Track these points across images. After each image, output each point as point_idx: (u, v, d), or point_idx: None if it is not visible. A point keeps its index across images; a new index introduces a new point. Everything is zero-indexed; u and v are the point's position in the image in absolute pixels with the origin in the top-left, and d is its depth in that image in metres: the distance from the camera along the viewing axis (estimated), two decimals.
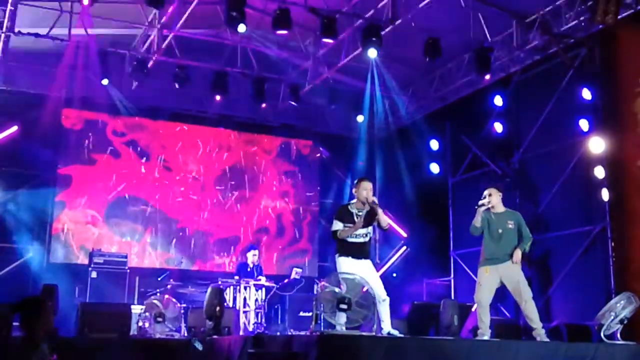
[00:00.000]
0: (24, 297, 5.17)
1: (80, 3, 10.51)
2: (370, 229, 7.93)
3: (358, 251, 7.85)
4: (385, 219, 7.89)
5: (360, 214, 7.84)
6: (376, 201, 7.83)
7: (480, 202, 8.29)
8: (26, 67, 13.12)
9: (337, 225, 7.81)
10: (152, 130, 14.71)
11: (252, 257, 12.41)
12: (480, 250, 8.47)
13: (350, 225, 7.78)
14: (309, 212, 15.88)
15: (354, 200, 7.96)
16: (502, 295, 12.09)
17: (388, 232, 8.91)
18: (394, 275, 15.03)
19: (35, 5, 11.56)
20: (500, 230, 8.22)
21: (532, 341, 8.00)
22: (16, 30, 11.65)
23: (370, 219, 7.86)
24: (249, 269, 12.29)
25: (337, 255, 7.89)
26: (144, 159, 14.59)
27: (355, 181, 8.13)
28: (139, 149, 14.56)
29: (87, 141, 14.06)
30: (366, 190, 7.84)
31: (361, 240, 7.87)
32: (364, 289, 7.20)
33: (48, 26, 11.84)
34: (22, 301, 5.05)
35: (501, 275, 8.16)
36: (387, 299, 7.78)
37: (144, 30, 12.72)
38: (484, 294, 8.20)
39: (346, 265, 7.69)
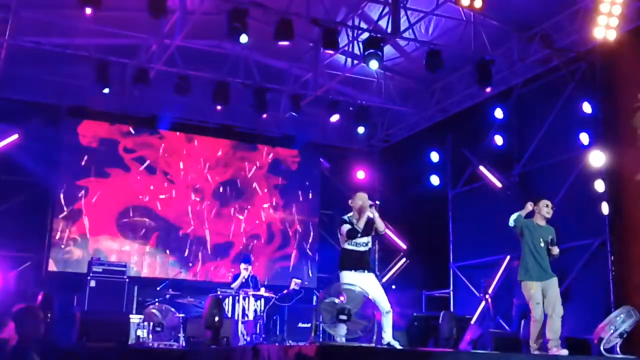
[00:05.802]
0: (19, 305, 5.14)
1: (83, 12, 10.50)
2: (369, 238, 8.14)
3: (360, 262, 8.02)
4: (382, 223, 8.12)
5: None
6: (376, 203, 8.13)
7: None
8: (27, 75, 13.11)
9: (347, 226, 8.04)
10: (158, 148, 15.17)
11: (243, 271, 12.38)
12: (521, 262, 8.44)
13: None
14: (296, 221, 16.01)
15: (351, 213, 8.21)
16: (501, 308, 12.14)
17: (387, 244, 8.99)
18: (393, 287, 15.00)
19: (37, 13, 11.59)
20: (542, 244, 8.26)
21: (531, 354, 7.98)
22: (18, 37, 11.69)
23: (368, 228, 8.04)
24: (243, 280, 12.28)
25: (340, 270, 8.05)
26: (151, 173, 15.00)
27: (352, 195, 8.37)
28: (146, 164, 14.97)
29: (101, 157, 14.58)
30: (362, 200, 8.15)
31: (362, 249, 8.06)
32: (365, 299, 7.20)
33: (50, 34, 11.88)
34: (14, 309, 5.02)
35: (544, 289, 8.22)
36: (391, 311, 7.91)
37: (145, 40, 12.72)
38: (541, 310, 8.19)
39: (350, 278, 7.81)
